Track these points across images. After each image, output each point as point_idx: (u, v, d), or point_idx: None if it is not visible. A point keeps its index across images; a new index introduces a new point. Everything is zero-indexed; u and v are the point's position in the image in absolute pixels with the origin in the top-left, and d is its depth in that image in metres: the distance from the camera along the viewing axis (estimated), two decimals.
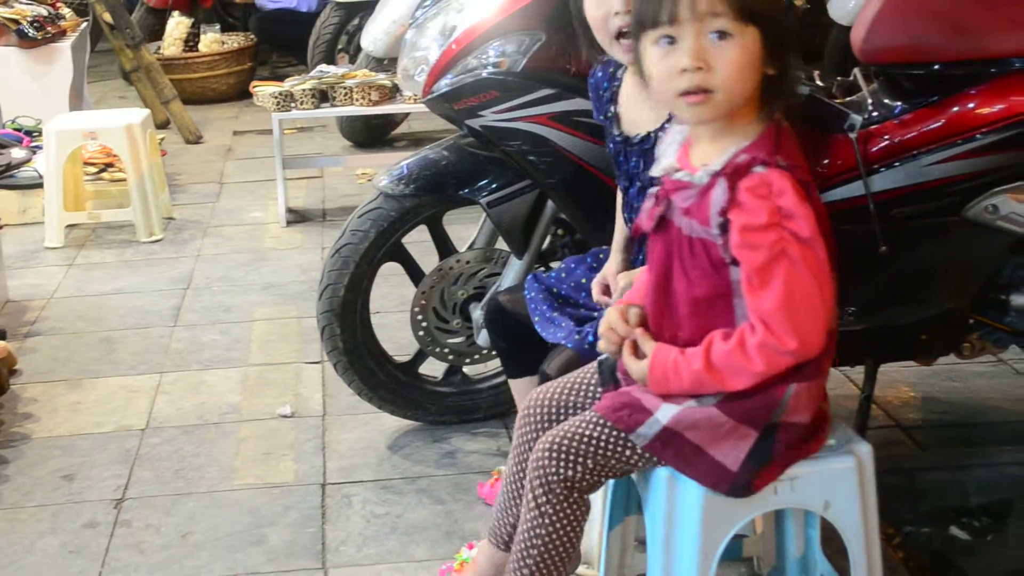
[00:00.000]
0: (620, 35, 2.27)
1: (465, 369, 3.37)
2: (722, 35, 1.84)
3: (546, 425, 2.16)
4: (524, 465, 2.17)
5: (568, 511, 2.04)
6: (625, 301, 2.12)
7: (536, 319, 2.52)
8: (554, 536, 2.05)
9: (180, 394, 3.69)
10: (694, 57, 1.84)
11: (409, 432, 3.36)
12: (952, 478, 3.01)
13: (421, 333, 3.23)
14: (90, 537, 2.91)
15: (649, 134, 2.31)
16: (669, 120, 2.19)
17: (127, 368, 3.90)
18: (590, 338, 2.35)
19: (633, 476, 2.10)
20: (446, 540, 2.82)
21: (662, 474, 2.00)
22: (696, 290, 1.94)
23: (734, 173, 1.86)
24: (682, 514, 1.99)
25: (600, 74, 2.48)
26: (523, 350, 2.71)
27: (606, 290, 2.45)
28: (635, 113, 2.38)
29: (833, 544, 2.19)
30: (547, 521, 2.04)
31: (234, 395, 3.67)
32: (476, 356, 3.29)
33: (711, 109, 1.87)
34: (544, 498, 2.04)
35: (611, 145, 2.45)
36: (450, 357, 3.29)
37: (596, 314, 2.43)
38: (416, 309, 3.20)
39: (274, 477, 3.16)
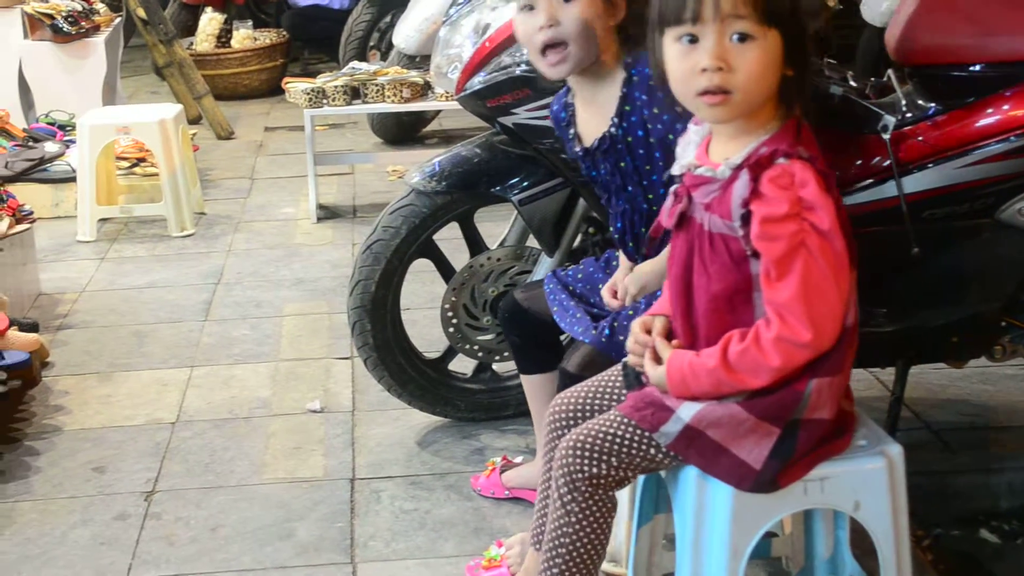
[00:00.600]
0: (544, 50, 2.31)
1: (494, 366, 3.38)
2: (743, 37, 1.83)
3: (572, 427, 2.15)
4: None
5: (594, 508, 2.04)
6: (653, 312, 2.12)
7: (555, 309, 2.55)
8: (581, 534, 2.05)
9: (210, 388, 3.71)
10: (715, 57, 1.83)
11: (438, 428, 3.37)
12: (982, 481, 3.00)
13: (451, 330, 3.23)
14: (121, 529, 2.94)
15: (604, 135, 2.36)
16: (622, 123, 2.28)
17: (158, 362, 3.92)
18: (606, 332, 2.40)
19: (662, 474, 2.11)
20: (475, 536, 2.83)
21: (691, 472, 2.00)
22: (715, 285, 1.94)
23: (756, 165, 1.85)
24: (712, 513, 1.99)
25: (556, 107, 2.52)
26: (537, 348, 2.76)
27: (616, 295, 2.46)
28: (587, 125, 2.42)
29: (862, 545, 2.18)
30: (573, 519, 2.05)
31: (264, 390, 3.69)
32: (505, 353, 3.28)
33: (729, 110, 1.87)
34: (570, 496, 2.04)
35: (583, 166, 2.48)
36: (480, 354, 3.30)
37: (608, 313, 2.46)
38: (446, 306, 3.21)
39: (303, 472, 3.18)
